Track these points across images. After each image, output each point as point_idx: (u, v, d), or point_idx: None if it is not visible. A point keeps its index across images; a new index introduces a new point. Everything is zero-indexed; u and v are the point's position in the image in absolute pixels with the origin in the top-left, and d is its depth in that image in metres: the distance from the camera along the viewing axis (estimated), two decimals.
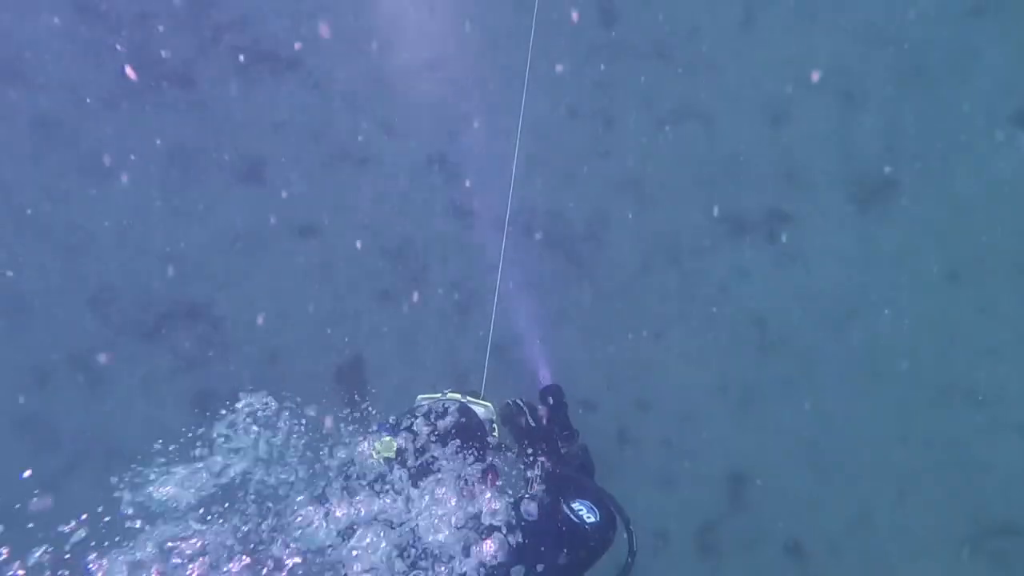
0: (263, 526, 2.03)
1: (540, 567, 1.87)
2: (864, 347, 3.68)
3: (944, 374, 3.61)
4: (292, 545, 1.91)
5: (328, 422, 2.10)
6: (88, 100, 3.80)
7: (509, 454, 2.16)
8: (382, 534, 1.86)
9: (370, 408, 2.47)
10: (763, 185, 3.86)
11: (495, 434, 2.15)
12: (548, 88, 4.06)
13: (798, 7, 3.86)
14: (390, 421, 2.04)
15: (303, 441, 2.23)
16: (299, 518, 1.94)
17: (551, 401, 2.23)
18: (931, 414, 3.62)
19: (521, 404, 2.20)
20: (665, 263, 3.98)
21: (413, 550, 1.84)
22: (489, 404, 2.13)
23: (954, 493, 3.57)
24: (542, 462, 2.16)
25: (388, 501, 1.88)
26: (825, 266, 3.77)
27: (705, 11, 4.00)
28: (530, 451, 2.12)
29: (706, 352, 3.83)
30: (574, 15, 4.10)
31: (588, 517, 1.95)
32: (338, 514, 1.88)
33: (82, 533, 2.07)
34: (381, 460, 1.96)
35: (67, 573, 1.97)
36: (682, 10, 4.03)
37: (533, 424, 2.15)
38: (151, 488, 2.10)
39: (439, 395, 2.12)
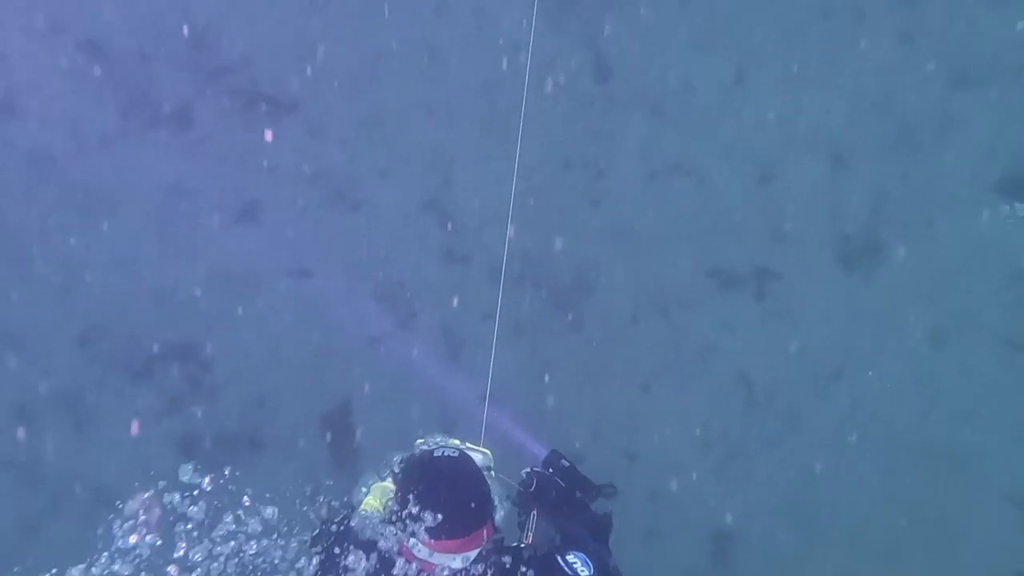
0: None
1: None
2: (849, 407, 3.72)
3: (926, 437, 3.65)
4: None
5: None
6: (84, 137, 3.84)
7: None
8: None
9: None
10: (751, 242, 3.92)
11: (493, 478, 2.16)
12: (542, 137, 4.12)
13: (788, 69, 3.94)
14: (393, 468, 2.03)
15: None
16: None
17: (564, 464, 2.23)
18: (914, 476, 3.64)
19: (546, 472, 2.20)
20: (655, 315, 4.02)
21: None
22: (487, 451, 2.14)
23: (935, 556, 3.59)
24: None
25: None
26: (811, 325, 3.82)
27: (698, 69, 4.08)
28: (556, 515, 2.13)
29: (693, 406, 3.86)
30: (570, 67, 4.20)
31: (581, 571, 1.95)
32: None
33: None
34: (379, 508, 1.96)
35: None
36: (676, 67, 4.11)
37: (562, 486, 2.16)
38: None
39: (437, 440, 2.12)
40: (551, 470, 2.24)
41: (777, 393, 3.81)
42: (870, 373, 3.63)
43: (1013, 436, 3.55)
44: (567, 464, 2.25)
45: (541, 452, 2.36)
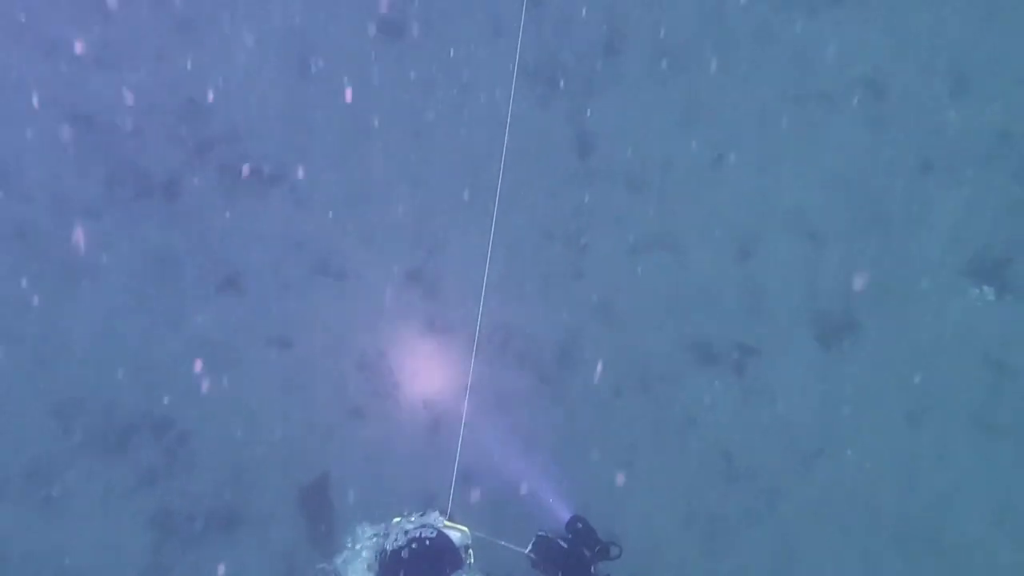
0: None
1: None
2: (828, 486, 3.72)
3: (906, 519, 3.65)
4: None
5: None
6: (70, 208, 3.86)
7: None
8: None
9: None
10: (730, 317, 3.98)
11: (471, 562, 2.14)
12: (526, 210, 4.20)
13: (763, 149, 4.08)
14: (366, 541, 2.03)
15: None
16: None
17: (580, 526, 2.27)
18: (894, 558, 3.63)
19: (551, 536, 2.24)
20: (636, 389, 4.04)
21: None
22: (465, 529, 2.12)
23: None
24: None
25: None
26: (790, 402, 3.85)
27: (677, 146, 4.20)
28: None
29: (674, 482, 3.83)
30: (554, 142, 4.30)
31: None
32: None
33: None
34: None
35: None
36: (656, 144, 4.23)
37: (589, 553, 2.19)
38: None
39: (415, 518, 2.10)
40: (570, 534, 2.28)
41: (758, 469, 3.81)
42: (849, 452, 3.66)
43: (991, 521, 3.57)
44: (581, 527, 2.29)
45: (564, 516, 2.38)
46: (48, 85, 4.01)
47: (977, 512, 3.59)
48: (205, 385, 3.88)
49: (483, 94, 4.29)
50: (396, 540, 2.02)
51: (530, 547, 2.26)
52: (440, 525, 2.09)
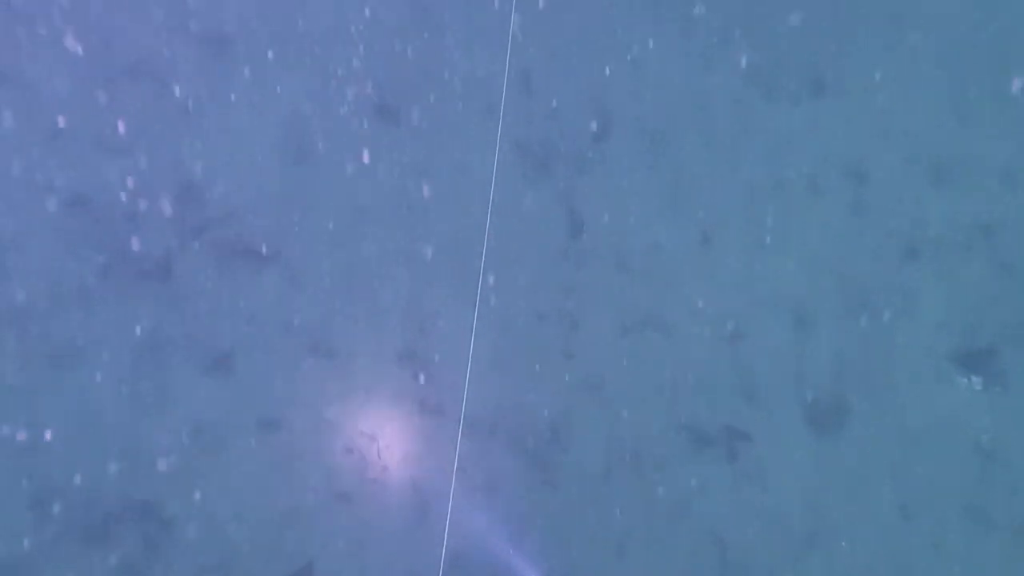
0: None
1: None
2: None
3: None
4: None
5: None
6: (61, 292, 3.89)
7: None
8: None
9: None
10: (721, 400, 3.98)
11: None
12: (517, 290, 4.24)
13: (749, 232, 4.15)
14: None
15: None
16: None
17: None
18: None
19: None
20: (628, 472, 4.00)
21: None
22: None
23: None
24: None
25: None
26: (783, 488, 3.82)
27: (665, 229, 4.28)
28: None
29: (667, 570, 3.77)
30: (545, 222, 4.37)
31: None
32: None
33: None
34: None
35: None
36: (644, 226, 4.31)
37: None
38: None
39: None
40: None
41: (752, 558, 3.75)
42: (843, 543, 3.61)
43: None
44: None
45: None
46: (49, 168, 4.10)
47: None
48: (190, 470, 3.83)
49: (475, 174, 4.39)
50: None
51: None
52: None
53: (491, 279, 4.34)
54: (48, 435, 3.75)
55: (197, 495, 3.80)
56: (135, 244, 4.10)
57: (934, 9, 4.29)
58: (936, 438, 3.78)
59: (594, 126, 4.53)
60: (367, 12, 4.52)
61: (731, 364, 4.07)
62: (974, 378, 3.72)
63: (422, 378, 4.16)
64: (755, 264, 4.21)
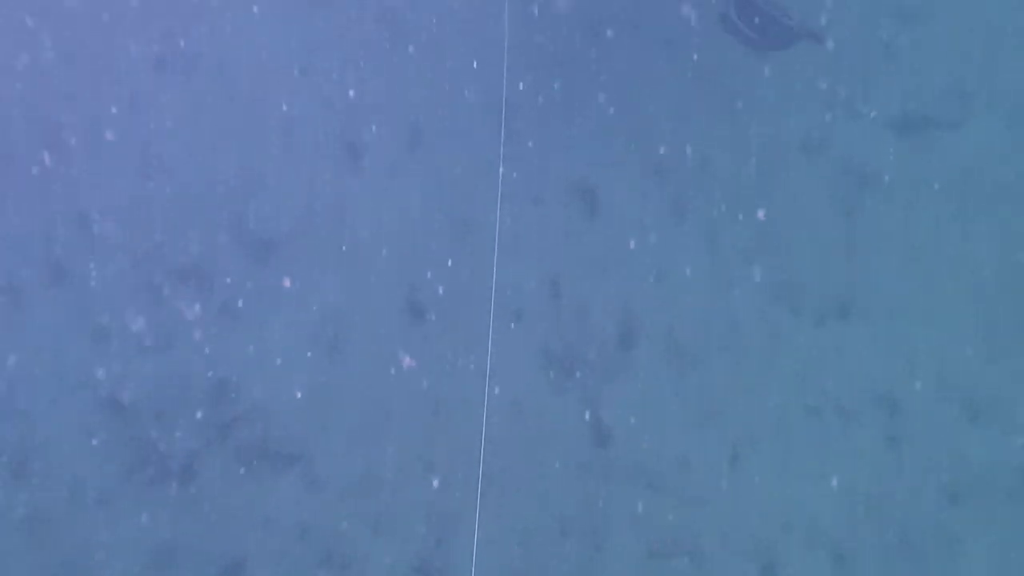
0: None
1: None
2: None
3: None
4: None
5: None
6: (83, 497, 3.87)
7: None
8: None
9: None
10: None
11: None
12: (540, 501, 4.11)
13: (780, 455, 4.02)
14: None
15: None
16: None
17: None
18: None
19: None
20: None
21: None
22: None
23: None
24: None
25: None
26: None
27: (693, 444, 4.19)
28: None
29: None
30: (568, 429, 4.30)
31: None
32: None
33: None
34: None
35: None
36: (671, 440, 4.23)
37: None
38: None
39: None
40: None
41: None
42: None
43: None
44: None
45: None
46: (86, 366, 4.20)
47: None
48: None
49: (500, 379, 4.40)
50: None
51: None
52: None
53: (516, 488, 4.24)
54: None
55: None
56: (160, 446, 4.11)
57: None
58: None
59: (620, 335, 4.57)
60: (401, 218, 4.71)
61: None
62: None
63: None
64: (788, 489, 4.00)
